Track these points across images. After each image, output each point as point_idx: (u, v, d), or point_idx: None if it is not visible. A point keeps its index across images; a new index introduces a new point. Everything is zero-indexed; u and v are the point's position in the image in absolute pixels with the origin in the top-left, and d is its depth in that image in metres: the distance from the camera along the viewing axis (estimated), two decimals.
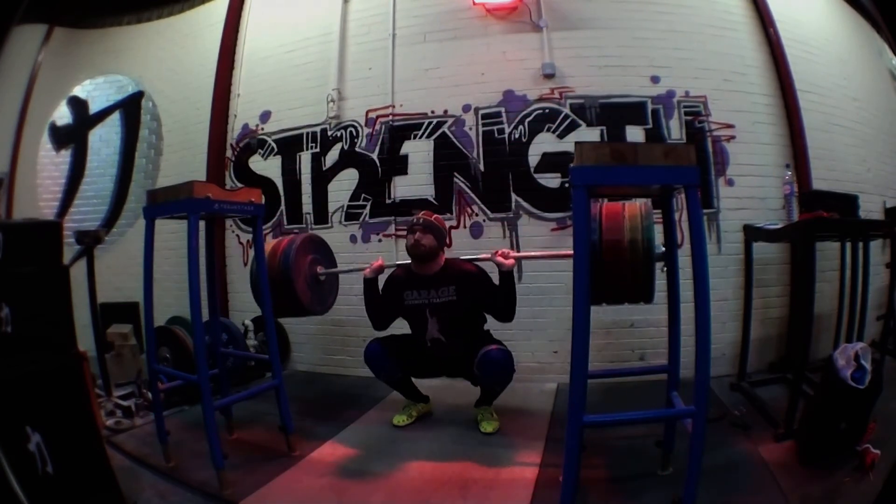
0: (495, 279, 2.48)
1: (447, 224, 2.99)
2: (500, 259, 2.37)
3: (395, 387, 2.67)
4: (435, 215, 2.59)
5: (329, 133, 3.76)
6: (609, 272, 1.72)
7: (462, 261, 2.57)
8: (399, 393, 2.71)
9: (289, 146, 3.87)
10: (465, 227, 3.45)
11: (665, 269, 1.86)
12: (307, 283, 2.62)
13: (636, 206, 1.80)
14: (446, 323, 2.51)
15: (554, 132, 3.37)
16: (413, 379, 2.69)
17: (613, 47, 3.39)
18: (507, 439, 2.36)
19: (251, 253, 3.84)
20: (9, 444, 1.30)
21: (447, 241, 2.70)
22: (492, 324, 2.62)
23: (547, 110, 3.39)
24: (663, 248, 1.85)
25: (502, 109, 3.43)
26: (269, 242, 2.64)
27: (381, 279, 2.62)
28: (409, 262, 2.55)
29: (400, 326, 2.67)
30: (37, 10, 4.64)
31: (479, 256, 2.55)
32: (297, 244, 2.57)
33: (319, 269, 2.71)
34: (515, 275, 2.46)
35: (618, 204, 1.83)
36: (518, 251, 3.21)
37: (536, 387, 3.08)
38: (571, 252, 1.51)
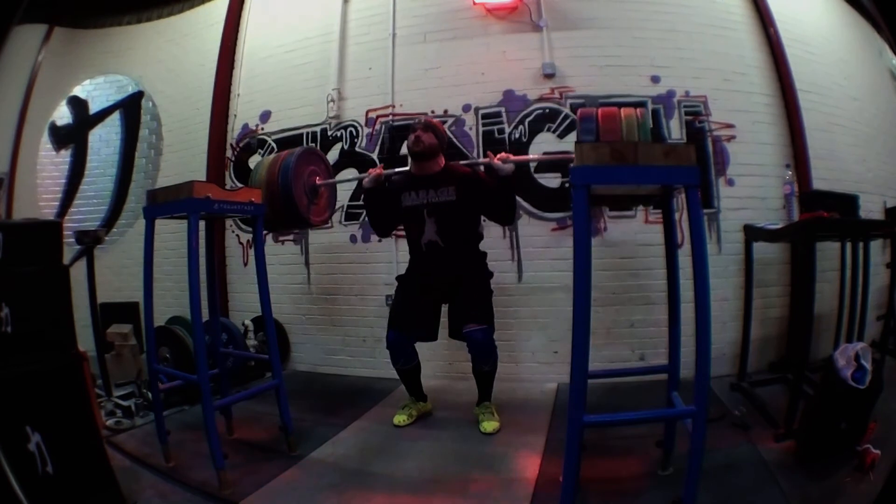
0: None
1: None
2: (498, 163, 2.35)
3: (407, 377, 2.64)
4: (437, 119, 2.58)
5: (329, 133, 3.76)
6: None
7: (462, 164, 2.59)
8: (405, 386, 2.69)
9: (289, 146, 3.87)
10: None
11: None
12: (305, 192, 2.60)
13: (632, 109, 1.80)
14: (444, 224, 2.48)
15: (554, 132, 3.37)
16: (418, 376, 2.68)
17: (613, 47, 3.39)
18: (507, 439, 2.36)
19: (251, 253, 3.85)
20: (9, 444, 1.30)
21: (446, 144, 2.67)
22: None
23: (547, 110, 3.39)
24: None
25: (502, 109, 3.43)
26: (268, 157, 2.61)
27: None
28: (410, 168, 2.56)
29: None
30: (37, 10, 4.64)
31: (477, 161, 2.55)
32: (297, 155, 2.56)
33: (318, 180, 2.68)
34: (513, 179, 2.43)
35: (614, 108, 1.84)
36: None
37: (537, 387, 3.08)
38: (570, 154, 1.54)
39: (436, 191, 2.49)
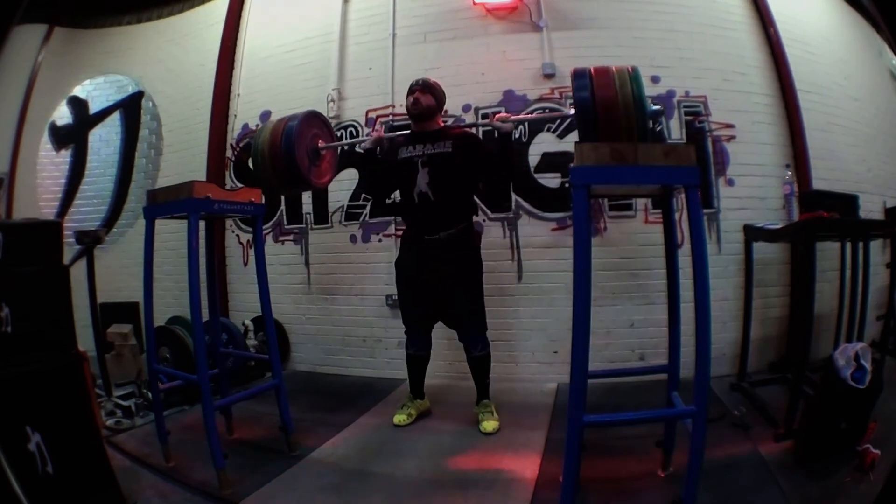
0: None
1: None
2: (497, 122, 2.38)
3: (415, 365, 2.67)
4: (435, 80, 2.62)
5: None
6: (603, 129, 1.73)
7: (462, 126, 2.60)
8: (409, 377, 2.71)
9: None
10: None
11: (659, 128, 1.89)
12: (307, 153, 2.59)
13: (624, 66, 1.81)
14: (437, 175, 2.46)
15: (554, 132, 3.37)
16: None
17: (613, 47, 3.38)
18: (507, 439, 2.36)
19: (251, 253, 3.85)
20: (9, 444, 1.30)
21: (444, 104, 2.70)
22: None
23: (547, 110, 3.39)
24: (656, 106, 1.91)
25: (502, 109, 3.42)
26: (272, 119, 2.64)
27: None
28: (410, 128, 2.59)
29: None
30: (37, 10, 4.64)
31: (477, 123, 2.61)
32: (301, 117, 2.55)
33: (320, 143, 2.67)
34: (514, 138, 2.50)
35: (607, 65, 1.85)
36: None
37: (537, 387, 3.08)
38: (569, 113, 1.53)
39: (433, 144, 2.51)
